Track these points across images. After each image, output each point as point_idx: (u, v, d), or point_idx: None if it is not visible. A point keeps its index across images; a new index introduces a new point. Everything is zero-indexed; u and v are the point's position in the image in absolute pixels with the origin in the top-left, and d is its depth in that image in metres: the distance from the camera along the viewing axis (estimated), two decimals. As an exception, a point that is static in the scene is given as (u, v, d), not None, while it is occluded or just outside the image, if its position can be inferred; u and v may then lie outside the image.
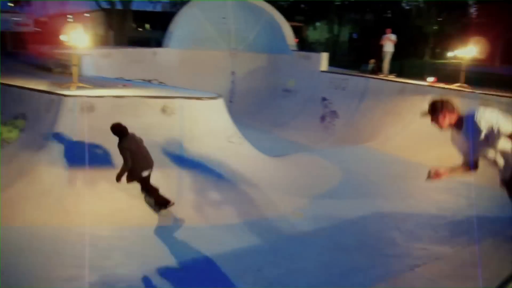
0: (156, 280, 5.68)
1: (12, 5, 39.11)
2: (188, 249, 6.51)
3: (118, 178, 7.01)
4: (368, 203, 8.13)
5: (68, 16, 56.30)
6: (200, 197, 7.80)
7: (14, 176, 8.22)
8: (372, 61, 16.47)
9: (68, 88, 8.94)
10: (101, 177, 7.71)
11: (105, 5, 30.20)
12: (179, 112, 8.54)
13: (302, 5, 40.19)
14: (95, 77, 11.65)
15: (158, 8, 40.22)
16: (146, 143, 7.93)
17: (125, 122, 8.30)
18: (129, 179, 7.10)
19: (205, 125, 8.80)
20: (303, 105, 15.85)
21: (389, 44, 16.04)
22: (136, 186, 7.43)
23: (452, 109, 4.28)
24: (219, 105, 9.19)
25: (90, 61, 12.32)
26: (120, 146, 7.04)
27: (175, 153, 8.32)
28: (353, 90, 14.66)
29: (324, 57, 16.42)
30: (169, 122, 8.53)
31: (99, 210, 7.29)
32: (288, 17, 20.28)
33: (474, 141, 4.21)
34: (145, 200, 7.50)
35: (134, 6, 31.65)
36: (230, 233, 7.00)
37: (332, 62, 17.18)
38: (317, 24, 44.26)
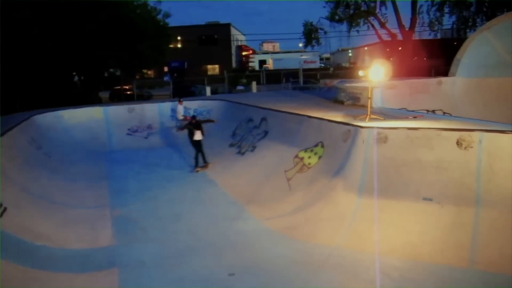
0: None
1: (301, 45, 44.89)
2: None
3: None
4: None
5: (348, 50, 60.75)
6: (504, 241, 6.99)
7: (313, 197, 9.26)
8: None
9: (363, 119, 9.53)
10: (394, 208, 7.84)
11: (386, 37, 31.01)
12: (477, 146, 7.93)
13: None
14: (382, 108, 12.07)
15: (438, 36, 38.85)
16: (439, 177, 7.71)
17: (417, 154, 8.30)
18: None
19: (509, 161, 7.87)
20: None
21: None
22: (431, 223, 7.31)
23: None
24: (526, 139, 8.06)
25: (378, 93, 12.84)
26: None
27: (471, 189, 7.73)
28: None
29: None
30: (465, 157, 8.00)
31: (391, 240, 7.42)
32: None
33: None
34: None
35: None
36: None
37: None
38: None
